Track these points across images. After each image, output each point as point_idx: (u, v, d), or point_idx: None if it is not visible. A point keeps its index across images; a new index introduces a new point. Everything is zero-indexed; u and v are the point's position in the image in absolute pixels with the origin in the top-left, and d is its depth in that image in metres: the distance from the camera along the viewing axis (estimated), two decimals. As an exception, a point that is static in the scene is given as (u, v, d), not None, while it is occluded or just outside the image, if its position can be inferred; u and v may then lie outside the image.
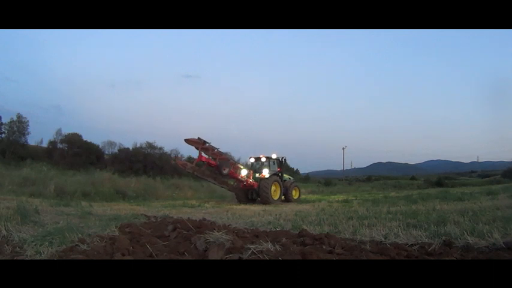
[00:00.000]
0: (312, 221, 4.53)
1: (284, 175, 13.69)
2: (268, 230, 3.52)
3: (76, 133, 22.05)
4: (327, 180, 38.05)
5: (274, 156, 13.47)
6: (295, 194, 13.50)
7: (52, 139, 22.03)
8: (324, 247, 2.36)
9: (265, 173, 12.58)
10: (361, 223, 3.97)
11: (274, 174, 12.82)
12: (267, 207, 9.43)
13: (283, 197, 12.96)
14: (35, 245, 2.44)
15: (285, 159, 13.81)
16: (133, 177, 15.84)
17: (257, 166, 13.39)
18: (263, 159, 13.19)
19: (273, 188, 12.32)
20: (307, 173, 47.59)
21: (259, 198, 12.25)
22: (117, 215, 5.48)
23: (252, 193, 12.58)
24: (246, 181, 12.41)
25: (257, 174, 12.83)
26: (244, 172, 12.45)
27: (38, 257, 2.17)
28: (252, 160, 13.63)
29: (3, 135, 21.38)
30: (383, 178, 46.03)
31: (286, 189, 13.01)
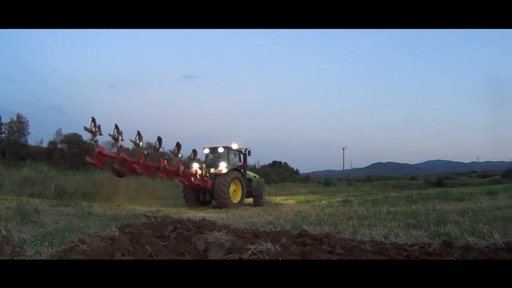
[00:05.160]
0: (312, 221, 4.53)
1: (248, 172, 11.24)
2: (268, 230, 3.52)
3: (76, 133, 22.07)
4: (327, 180, 38.12)
5: (234, 146, 10.50)
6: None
7: (52, 139, 22.08)
8: (324, 247, 2.36)
9: (222, 167, 9.60)
10: (361, 223, 3.97)
11: (234, 169, 9.91)
12: (267, 208, 9.38)
13: (246, 200, 10.37)
14: (35, 245, 2.44)
15: (249, 152, 10.81)
16: (133, 177, 15.80)
17: (213, 159, 10.46)
18: (220, 150, 10.24)
19: (233, 187, 9.60)
20: (307, 173, 47.73)
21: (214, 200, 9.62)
22: (117, 215, 5.48)
23: (205, 193, 9.68)
24: (194, 177, 9.06)
25: (212, 169, 9.80)
26: (196, 166, 9.38)
27: (38, 257, 2.17)
28: (207, 151, 10.60)
29: (3, 135, 21.41)
30: (383, 178, 46.10)
31: (252, 190, 10.45)
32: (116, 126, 8.16)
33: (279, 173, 35.48)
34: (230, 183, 9.37)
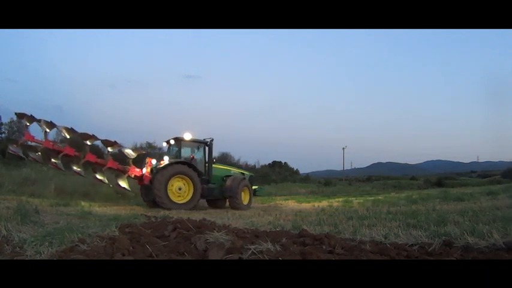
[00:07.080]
0: (312, 221, 4.53)
1: (230, 168, 10.32)
2: (268, 230, 3.52)
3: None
4: (327, 180, 38.16)
5: (187, 136, 9.04)
6: (244, 198, 9.29)
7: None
8: (324, 247, 2.36)
9: (165, 160, 8.68)
10: (361, 223, 3.97)
11: (179, 162, 8.59)
12: (267, 208, 9.36)
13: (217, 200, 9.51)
14: (35, 245, 2.44)
15: (211, 142, 9.31)
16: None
17: (169, 153, 9.49)
18: (172, 142, 9.24)
19: (178, 184, 8.39)
20: (307, 173, 47.78)
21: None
22: (117, 215, 5.48)
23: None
24: (131, 171, 8.45)
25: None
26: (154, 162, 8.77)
27: (38, 257, 2.17)
28: (165, 145, 9.75)
29: (3, 135, 21.41)
30: (383, 178, 46.16)
31: (225, 190, 9.09)
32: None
33: (279, 173, 35.50)
34: (169, 179, 8.17)
